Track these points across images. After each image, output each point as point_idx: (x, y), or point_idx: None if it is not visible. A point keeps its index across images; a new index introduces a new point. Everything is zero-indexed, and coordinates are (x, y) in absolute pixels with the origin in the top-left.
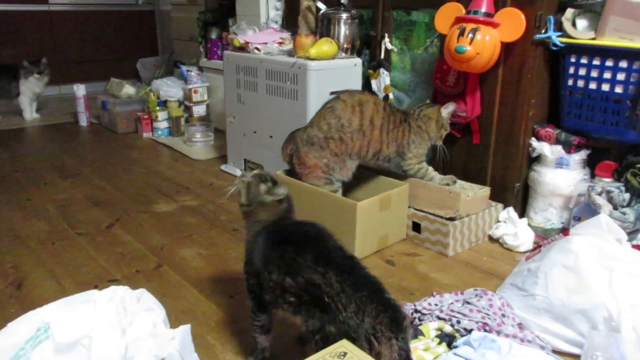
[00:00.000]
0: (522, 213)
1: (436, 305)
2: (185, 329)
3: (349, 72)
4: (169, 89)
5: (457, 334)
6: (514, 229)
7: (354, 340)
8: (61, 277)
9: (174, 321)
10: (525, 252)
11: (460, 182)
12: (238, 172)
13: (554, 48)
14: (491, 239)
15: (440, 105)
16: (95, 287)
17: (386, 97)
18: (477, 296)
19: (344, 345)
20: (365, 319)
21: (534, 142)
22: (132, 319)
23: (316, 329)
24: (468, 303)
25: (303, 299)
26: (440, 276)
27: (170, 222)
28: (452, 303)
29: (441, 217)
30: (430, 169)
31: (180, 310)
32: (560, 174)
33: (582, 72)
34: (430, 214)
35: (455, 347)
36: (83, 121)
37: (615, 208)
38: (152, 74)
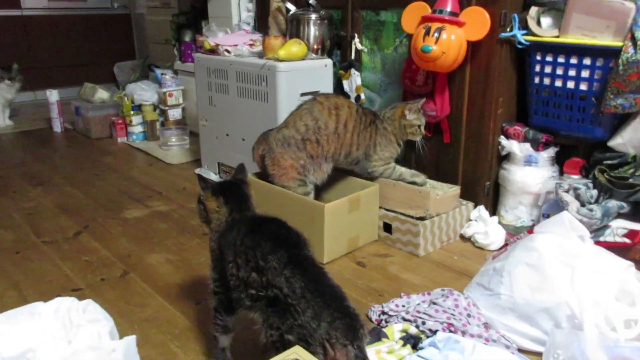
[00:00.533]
0: (493, 211)
1: (403, 306)
2: (129, 341)
3: (319, 73)
4: (143, 92)
5: (422, 335)
6: (484, 228)
7: (309, 345)
8: (23, 287)
9: (137, 330)
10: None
11: (430, 182)
12: (212, 176)
13: (520, 46)
14: (463, 237)
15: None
16: (58, 296)
17: (358, 98)
18: (443, 296)
19: (296, 352)
20: (322, 324)
21: (503, 140)
22: (76, 331)
23: (274, 331)
24: (434, 304)
25: (262, 296)
26: (411, 277)
27: (140, 228)
28: (418, 304)
29: (411, 217)
30: (397, 166)
31: (144, 318)
32: (529, 171)
33: (547, 69)
34: (400, 214)
35: (421, 348)
36: (57, 127)
37: (582, 205)
38: (129, 77)
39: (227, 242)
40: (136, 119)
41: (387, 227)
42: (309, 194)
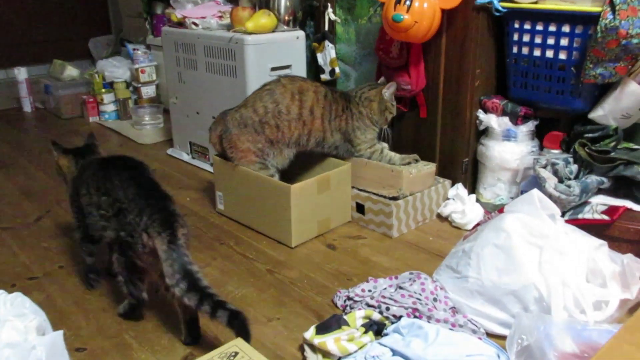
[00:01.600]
0: (472, 189)
1: (369, 291)
2: (55, 337)
3: (291, 45)
4: (115, 69)
5: (387, 322)
6: (462, 206)
7: (134, 237)
8: None
9: (92, 320)
10: None
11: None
12: (184, 157)
13: (497, 14)
14: (440, 217)
15: (384, 84)
16: (13, 286)
17: (332, 71)
18: (410, 280)
19: (236, 344)
20: (143, 218)
21: (480, 114)
22: (0, 326)
23: (111, 232)
24: (401, 288)
25: (110, 216)
26: (382, 259)
27: None
28: (385, 288)
29: (384, 197)
30: (386, 149)
31: (101, 308)
32: (508, 146)
33: (525, 38)
34: (373, 194)
35: (385, 335)
36: (27, 106)
37: (560, 181)
38: (103, 52)
39: (80, 181)
40: (108, 97)
41: (360, 208)
42: (273, 177)
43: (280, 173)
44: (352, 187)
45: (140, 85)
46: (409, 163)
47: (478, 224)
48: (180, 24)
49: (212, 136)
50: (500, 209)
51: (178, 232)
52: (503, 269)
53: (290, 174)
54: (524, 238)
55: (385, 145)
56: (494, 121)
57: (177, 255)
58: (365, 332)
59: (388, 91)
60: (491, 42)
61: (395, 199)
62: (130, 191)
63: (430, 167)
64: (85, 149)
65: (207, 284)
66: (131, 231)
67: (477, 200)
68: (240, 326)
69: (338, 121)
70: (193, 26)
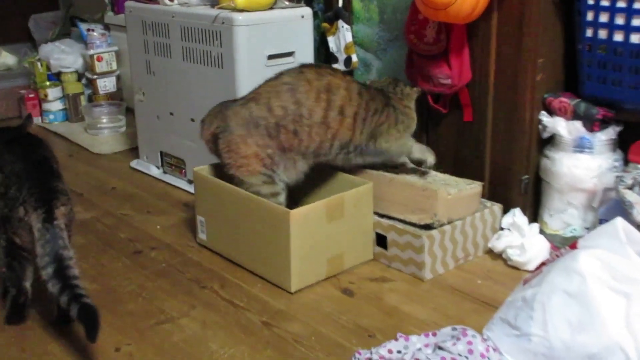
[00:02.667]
0: (533, 216)
1: (399, 352)
2: None
3: (294, 26)
4: (63, 56)
5: None
6: (520, 239)
7: (13, 211)
8: None
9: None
10: None
11: (443, 176)
12: (153, 171)
13: None
14: (490, 253)
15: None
16: None
17: (348, 60)
18: (453, 338)
19: None
20: (23, 192)
21: (544, 117)
22: None
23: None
24: (441, 349)
25: (4, 193)
26: (415, 309)
27: None
28: (419, 349)
29: (413, 224)
30: (412, 139)
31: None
32: (582, 160)
33: (603, 18)
34: (399, 221)
35: None
36: None
37: None
38: (49, 35)
39: None
40: (54, 93)
41: (381, 240)
42: (278, 195)
43: (287, 192)
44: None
45: (96, 76)
46: (420, 164)
47: (542, 264)
48: None
49: (204, 133)
50: (572, 243)
51: (56, 211)
52: (577, 324)
53: (291, 195)
54: (605, 283)
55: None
56: (563, 127)
57: (51, 236)
58: None
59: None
60: (558, 23)
61: (428, 227)
62: (17, 166)
63: (476, 187)
64: (6, 130)
65: (77, 273)
66: (13, 205)
67: (541, 232)
68: (87, 320)
69: (377, 118)
70: (166, 1)
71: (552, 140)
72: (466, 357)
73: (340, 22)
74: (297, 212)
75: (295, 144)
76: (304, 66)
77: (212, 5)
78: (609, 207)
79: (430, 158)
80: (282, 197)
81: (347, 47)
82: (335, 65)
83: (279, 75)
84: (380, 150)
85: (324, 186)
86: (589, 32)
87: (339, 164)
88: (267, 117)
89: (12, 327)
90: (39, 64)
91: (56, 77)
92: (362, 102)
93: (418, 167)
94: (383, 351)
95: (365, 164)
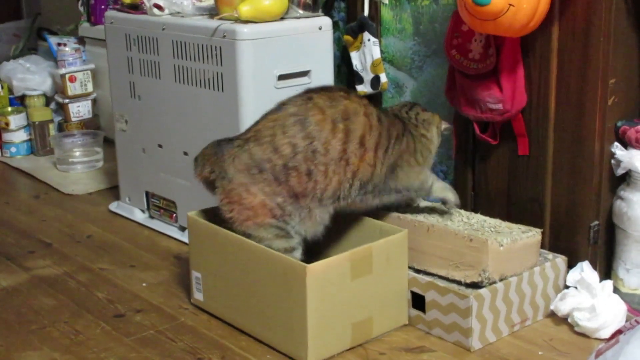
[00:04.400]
0: (605, 272)
1: None
2: None
3: (310, 40)
4: (29, 76)
5: None
6: (590, 300)
7: None
8: None
9: None
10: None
11: (492, 221)
12: (138, 216)
13: None
14: (553, 317)
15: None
16: None
17: (376, 81)
18: None
19: None
20: None
21: (618, 150)
22: None
23: None
24: None
25: None
26: None
27: (11, 307)
28: None
29: (458, 282)
30: (433, 175)
31: None
32: None
33: None
34: (440, 277)
35: None
36: None
37: None
38: (10, 50)
39: None
40: (16, 120)
41: (419, 301)
42: (294, 250)
43: (304, 247)
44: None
45: (67, 100)
46: (444, 202)
47: (619, 332)
48: (135, 7)
49: (198, 174)
50: None
51: None
52: None
53: (307, 245)
54: None
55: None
56: None
57: None
58: None
59: (443, 127)
60: (633, 35)
61: (475, 286)
62: None
63: (534, 235)
64: None
65: None
66: None
67: (615, 291)
68: None
69: (398, 147)
70: (155, 10)
71: (627, 178)
72: None
73: (366, 35)
74: (315, 267)
75: (310, 187)
76: (310, 91)
77: (211, 16)
78: None
79: (452, 197)
80: (298, 253)
81: (374, 65)
82: (360, 87)
83: (281, 105)
84: (400, 187)
85: (347, 235)
86: None
87: (357, 207)
88: (272, 159)
89: None
90: None
91: (19, 102)
92: (384, 130)
93: (438, 206)
94: None
95: (380, 205)
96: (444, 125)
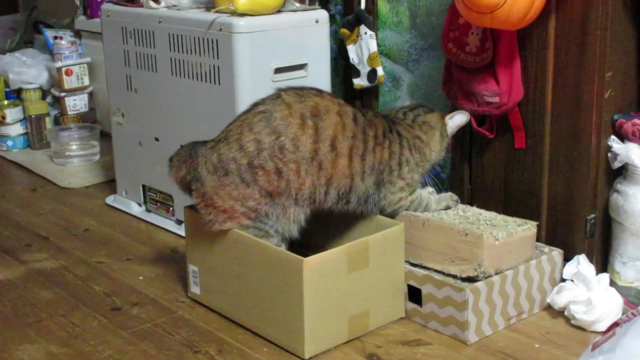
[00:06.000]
0: (601, 265)
1: None
2: None
3: (306, 33)
4: (25, 69)
5: None
6: (586, 293)
7: None
8: None
9: None
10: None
11: (489, 216)
12: (134, 209)
13: None
14: (550, 310)
15: (446, 111)
16: None
17: (373, 74)
18: None
19: None
20: None
21: (614, 143)
22: None
23: None
24: None
25: None
26: None
27: (8, 300)
28: None
29: (454, 276)
30: (423, 192)
31: None
32: None
33: None
34: (436, 271)
35: None
36: None
37: None
38: (6, 43)
39: None
40: (13, 114)
41: (415, 294)
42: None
43: (288, 242)
44: (405, 262)
45: (64, 94)
46: (447, 207)
47: (615, 324)
48: (131, 0)
49: (173, 176)
50: None
51: None
52: None
53: (305, 240)
54: None
55: (431, 190)
56: (637, 154)
57: None
58: None
59: (453, 122)
60: (630, 28)
61: (471, 280)
62: None
63: (530, 229)
64: None
65: None
66: None
67: (612, 284)
68: None
69: (378, 153)
70: (152, 3)
71: (624, 172)
72: None
73: (363, 28)
74: (312, 260)
75: (282, 186)
76: (281, 89)
77: (208, 9)
78: None
79: (452, 204)
80: (282, 248)
81: (371, 58)
82: (356, 80)
83: (253, 105)
84: (392, 211)
85: (344, 228)
86: None
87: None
88: (236, 158)
89: None
90: None
91: (16, 95)
92: (359, 130)
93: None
94: None
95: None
96: (458, 119)
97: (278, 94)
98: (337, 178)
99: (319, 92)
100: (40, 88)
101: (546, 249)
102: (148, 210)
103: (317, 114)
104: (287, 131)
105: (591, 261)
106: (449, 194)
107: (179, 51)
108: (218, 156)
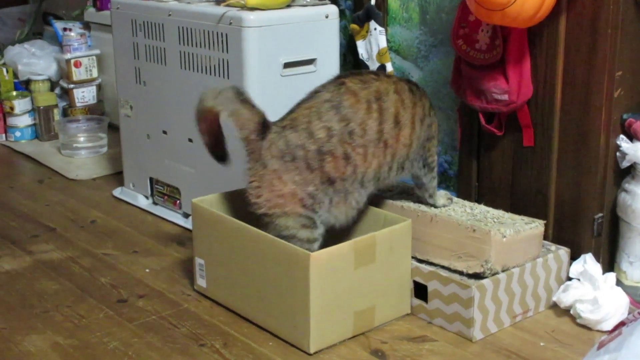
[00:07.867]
0: (608, 264)
1: None
2: None
3: (316, 28)
4: (34, 60)
5: None
6: (593, 292)
7: None
8: None
9: None
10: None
11: (496, 214)
12: (141, 202)
13: None
14: (555, 308)
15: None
16: None
17: (382, 70)
18: None
19: None
20: None
21: (623, 142)
22: None
23: None
24: None
25: None
26: None
27: (14, 291)
28: None
29: (460, 273)
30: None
31: None
32: None
33: None
34: (442, 268)
35: None
36: None
37: None
38: (15, 35)
39: None
40: (21, 105)
41: (421, 291)
42: (315, 242)
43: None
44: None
45: (72, 86)
46: (443, 206)
47: (622, 323)
48: None
49: (199, 106)
50: None
51: None
52: None
53: None
54: None
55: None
56: None
57: None
58: None
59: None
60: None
61: (478, 277)
62: None
63: (537, 227)
64: None
65: None
66: None
67: (618, 283)
68: None
69: (429, 120)
70: None
71: (632, 171)
72: None
73: (373, 24)
74: (318, 255)
75: (349, 172)
76: (342, 77)
77: (217, 3)
78: None
79: (449, 202)
80: (317, 245)
81: (380, 54)
82: None
83: (315, 92)
84: (431, 194)
85: (351, 223)
86: None
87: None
88: (305, 145)
89: None
90: (3, 69)
91: (24, 87)
92: (417, 100)
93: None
94: None
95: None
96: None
97: (342, 82)
98: (399, 150)
99: (376, 74)
100: (49, 79)
101: (553, 247)
102: (155, 203)
103: (379, 96)
104: (356, 117)
105: (598, 260)
106: (445, 192)
107: (188, 44)
108: (286, 142)
